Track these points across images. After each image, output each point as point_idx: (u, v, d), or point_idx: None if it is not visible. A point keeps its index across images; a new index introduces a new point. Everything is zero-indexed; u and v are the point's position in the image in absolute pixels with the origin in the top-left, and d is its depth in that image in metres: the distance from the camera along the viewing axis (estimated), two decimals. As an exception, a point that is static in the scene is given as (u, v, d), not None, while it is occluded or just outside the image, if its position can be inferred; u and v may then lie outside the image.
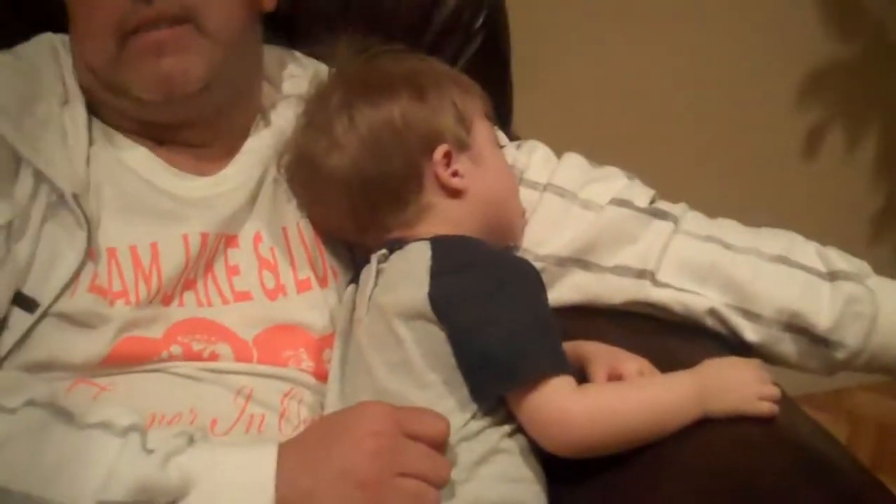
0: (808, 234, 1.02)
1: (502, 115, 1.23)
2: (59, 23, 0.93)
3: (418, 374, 0.78)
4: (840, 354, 0.96)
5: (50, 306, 0.80)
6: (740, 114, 1.76)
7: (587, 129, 1.51)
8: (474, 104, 0.92)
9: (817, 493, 0.77)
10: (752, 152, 1.79)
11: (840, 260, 0.98)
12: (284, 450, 0.72)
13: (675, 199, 1.04)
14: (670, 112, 1.70)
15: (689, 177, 1.60)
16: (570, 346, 0.84)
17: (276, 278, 0.90)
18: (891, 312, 0.95)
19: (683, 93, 1.70)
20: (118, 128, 0.91)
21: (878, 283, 0.97)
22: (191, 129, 0.92)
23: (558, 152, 1.07)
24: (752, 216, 1.05)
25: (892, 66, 1.86)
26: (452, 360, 0.77)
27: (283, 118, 0.96)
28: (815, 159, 1.87)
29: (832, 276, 0.96)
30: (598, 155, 1.08)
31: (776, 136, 1.81)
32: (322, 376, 0.87)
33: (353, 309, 0.86)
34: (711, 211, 1.05)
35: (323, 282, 0.92)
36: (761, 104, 1.77)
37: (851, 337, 0.95)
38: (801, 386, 1.87)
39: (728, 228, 1.01)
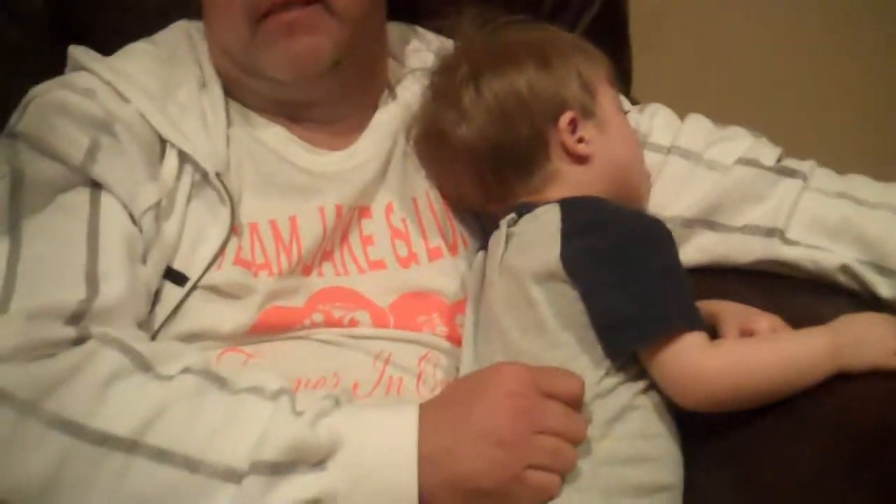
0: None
1: (622, 79, 1.23)
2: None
3: (552, 334, 0.80)
4: (977, 311, 0.94)
5: (199, 280, 0.84)
6: (874, 68, 1.71)
7: (708, 90, 1.49)
8: (598, 71, 0.93)
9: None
10: (877, 111, 1.74)
11: (982, 214, 0.96)
12: (425, 410, 0.74)
13: (801, 158, 1.04)
14: (792, 71, 1.66)
15: (815, 136, 1.57)
16: (701, 305, 0.84)
17: (408, 247, 0.93)
18: None
19: (805, 52, 1.66)
20: (254, 108, 0.95)
21: None
22: (322, 106, 0.95)
23: (679, 114, 1.07)
24: (885, 174, 1.03)
25: None
26: (585, 319, 0.79)
27: (410, 92, 0.99)
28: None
29: (968, 229, 0.94)
30: (719, 116, 1.08)
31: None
32: (456, 340, 0.90)
33: (484, 274, 0.88)
34: (842, 170, 1.03)
35: (453, 249, 0.95)
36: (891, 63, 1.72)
37: None
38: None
39: (859, 184, 1.00)
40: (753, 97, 1.60)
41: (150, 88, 0.90)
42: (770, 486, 0.78)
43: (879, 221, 0.95)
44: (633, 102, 1.11)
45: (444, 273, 0.93)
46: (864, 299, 0.96)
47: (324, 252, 0.90)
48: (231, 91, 0.95)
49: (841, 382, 0.80)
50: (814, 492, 0.76)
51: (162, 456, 0.70)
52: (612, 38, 1.22)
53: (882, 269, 0.95)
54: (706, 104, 1.10)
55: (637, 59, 1.27)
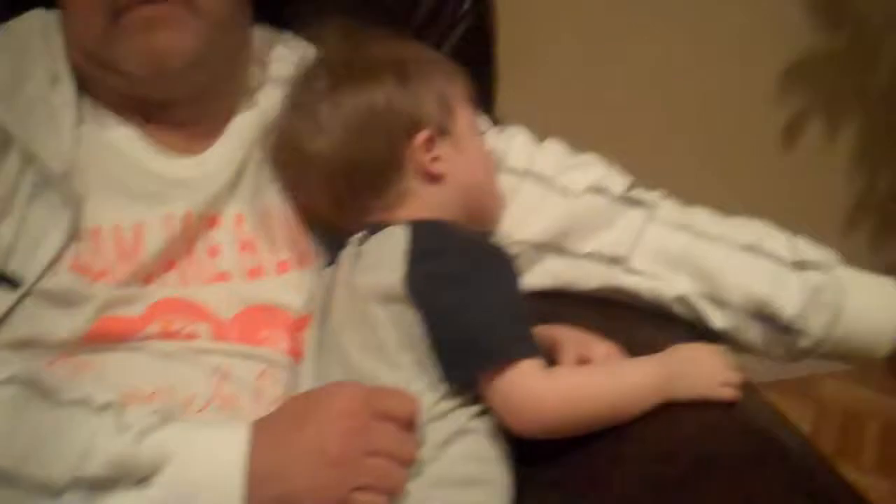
0: (784, 223, 1.05)
1: (486, 101, 1.25)
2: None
3: (391, 355, 0.80)
4: (804, 342, 0.99)
5: (33, 285, 0.82)
6: (721, 103, 1.77)
7: (571, 115, 1.52)
8: (457, 90, 0.94)
9: (773, 476, 0.80)
10: (731, 141, 1.81)
11: (809, 250, 1.01)
12: (256, 428, 0.74)
13: (654, 187, 1.07)
14: (652, 100, 1.71)
15: (669, 165, 1.62)
16: (541, 330, 0.86)
17: (255, 259, 0.92)
18: (855, 302, 0.98)
19: (665, 81, 1.72)
20: (108, 106, 0.92)
21: (844, 273, 1.00)
22: (178, 106, 0.93)
23: (541, 138, 1.09)
24: (729, 205, 1.07)
25: (873, 59, 1.88)
26: (425, 343, 0.79)
27: (270, 99, 0.97)
28: (794, 149, 1.89)
29: (800, 265, 0.99)
30: (580, 142, 1.10)
31: (756, 126, 1.83)
32: (298, 356, 0.89)
33: (331, 290, 0.88)
34: (690, 199, 1.07)
35: (302, 263, 0.93)
36: (742, 93, 1.79)
37: (815, 326, 0.98)
38: (770, 373, 1.92)
39: (701, 217, 1.03)
40: (612, 125, 1.65)
41: None
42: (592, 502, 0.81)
43: (716, 255, 0.99)
44: (497, 124, 1.12)
45: (291, 287, 0.92)
46: (699, 329, 1.00)
47: (168, 261, 0.88)
48: (85, 87, 0.92)
49: (667, 408, 0.83)
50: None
51: None
52: (478, 58, 1.23)
53: (716, 301, 0.99)
54: (568, 130, 1.12)
55: (503, 81, 1.29)
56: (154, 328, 0.84)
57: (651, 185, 1.07)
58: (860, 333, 0.98)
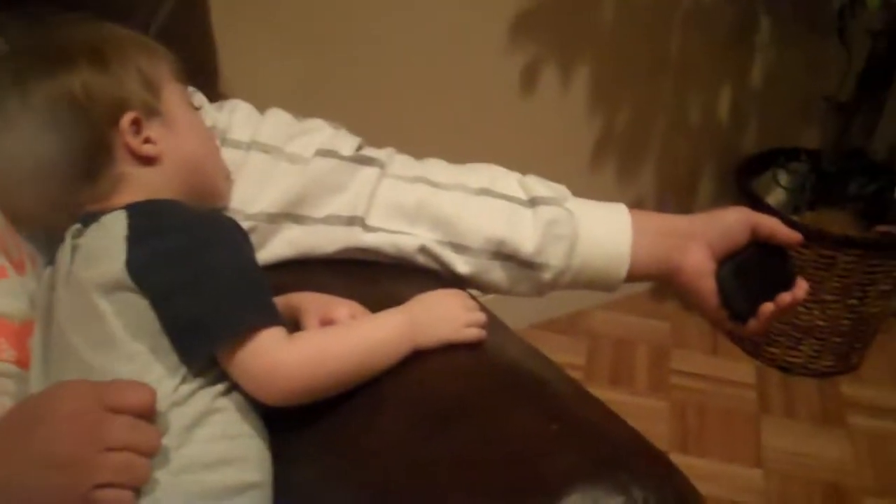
0: (533, 170, 1.07)
1: (208, 74, 1.21)
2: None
3: (122, 346, 0.76)
4: (546, 275, 1.01)
5: None
6: (457, 58, 1.80)
7: (296, 81, 1.51)
8: (162, 68, 0.90)
9: (525, 408, 0.82)
10: (470, 96, 1.84)
11: (539, 186, 1.03)
12: None
13: (395, 145, 1.07)
14: (382, 55, 1.71)
15: (406, 122, 1.64)
16: (282, 300, 0.84)
17: None
18: (588, 231, 1.02)
19: (395, 34, 1.72)
20: None
21: (575, 204, 1.03)
22: None
23: (269, 105, 1.06)
24: (476, 158, 1.08)
25: (595, 3, 1.95)
26: (157, 327, 0.76)
27: None
28: (532, 97, 1.94)
29: (533, 202, 1.01)
30: (310, 107, 1.09)
31: (492, 78, 1.87)
32: (26, 365, 0.83)
33: (52, 290, 0.83)
34: (435, 154, 1.07)
35: (19, 268, 0.88)
36: (477, 46, 1.82)
37: (554, 257, 1.00)
38: (541, 312, 1.99)
39: (434, 167, 1.04)
40: (342, 86, 1.64)
41: None
42: (354, 464, 0.80)
43: (452, 202, 1.00)
44: (222, 98, 1.09)
45: (9, 294, 0.86)
46: (443, 278, 1.00)
47: None
48: None
49: (417, 359, 0.84)
50: (393, 463, 0.78)
51: None
52: (192, 33, 1.19)
53: (457, 247, 1.00)
54: (294, 97, 1.10)
55: (225, 48, 1.25)
56: None
57: (390, 143, 1.07)
58: (597, 260, 1.02)
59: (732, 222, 1.04)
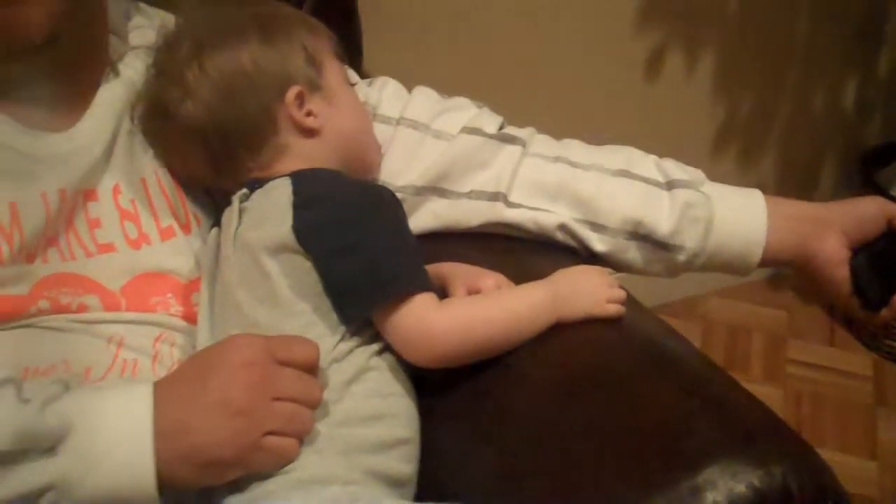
0: (653, 153, 1.09)
1: (351, 53, 1.26)
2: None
3: (287, 304, 0.81)
4: (681, 257, 1.03)
5: None
6: (585, 41, 1.82)
7: (435, 63, 1.55)
8: (323, 44, 0.94)
9: (664, 382, 0.85)
10: (595, 77, 1.86)
11: (676, 169, 1.05)
12: (159, 387, 0.74)
13: (525, 125, 1.10)
14: (514, 42, 1.74)
15: (537, 104, 1.66)
16: (431, 268, 0.88)
17: (138, 228, 0.91)
18: (724, 215, 1.03)
19: (525, 23, 1.74)
20: None
21: (711, 188, 1.05)
22: (39, 83, 0.90)
23: (408, 87, 1.11)
24: (598, 139, 1.11)
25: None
26: (320, 288, 0.81)
27: (133, 69, 0.96)
28: (657, 81, 1.95)
29: (669, 185, 1.03)
30: (446, 88, 1.12)
31: (619, 61, 1.88)
32: (192, 319, 0.89)
33: (218, 250, 0.88)
34: (561, 134, 1.10)
35: (186, 228, 0.94)
36: (603, 31, 1.83)
37: (690, 240, 1.02)
38: (657, 296, 2.00)
39: (573, 148, 1.07)
40: (476, 68, 1.67)
41: None
42: (496, 426, 0.84)
43: (591, 182, 1.03)
44: (364, 76, 1.13)
45: (177, 252, 0.92)
46: (581, 255, 1.03)
47: (48, 238, 0.86)
48: None
49: (560, 330, 0.87)
50: (536, 427, 0.82)
51: None
52: (340, 12, 1.24)
53: (595, 226, 1.03)
54: (432, 78, 1.14)
55: (367, 32, 1.30)
56: (43, 304, 0.83)
57: (522, 123, 1.10)
58: (732, 243, 1.03)
59: (869, 211, 1.05)
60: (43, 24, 0.85)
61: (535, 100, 1.70)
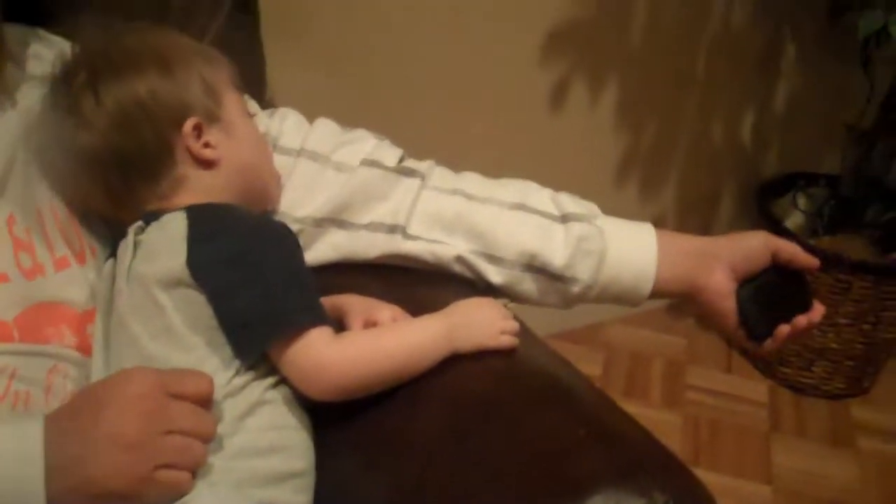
0: (559, 183, 1.12)
1: (256, 84, 1.26)
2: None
3: (181, 338, 0.81)
4: (575, 288, 1.06)
5: None
6: (489, 73, 1.85)
7: (339, 92, 1.56)
8: (221, 75, 0.95)
9: (554, 412, 0.86)
10: (500, 108, 1.90)
11: (571, 203, 1.08)
12: (51, 420, 0.74)
13: (428, 157, 1.12)
14: (418, 71, 1.77)
15: (440, 134, 1.69)
16: (327, 301, 0.89)
17: (32, 258, 0.90)
18: (616, 248, 1.06)
19: (431, 54, 1.77)
20: None
21: (605, 222, 1.08)
22: None
23: (312, 116, 1.12)
24: (503, 170, 1.13)
25: (625, 25, 2.00)
26: (214, 322, 0.81)
27: (29, 99, 0.95)
28: (561, 113, 1.99)
29: (564, 218, 1.06)
30: (351, 116, 1.14)
31: (523, 92, 1.92)
32: (86, 351, 0.89)
33: (113, 282, 0.88)
34: (464, 166, 1.12)
35: (80, 258, 0.93)
36: (508, 63, 1.87)
37: (583, 272, 1.05)
38: (560, 322, 2.04)
39: (471, 181, 1.09)
40: (381, 99, 1.69)
41: None
42: (392, 457, 0.85)
43: (487, 215, 1.05)
44: (268, 107, 1.14)
45: (71, 283, 0.91)
46: (478, 286, 1.05)
47: None
48: None
49: (454, 362, 0.88)
50: (429, 458, 0.83)
51: None
52: (244, 42, 1.25)
53: (492, 258, 1.05)
54: (338, 108, 1.15)
55: (271, 62, 1.30)
56: None
57: (425, 153, 1.12)
58: (624, 276, 1.07)
59: (754, 246, 1.09)
60: None
61: (437, 130, 1.73)
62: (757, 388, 2.13)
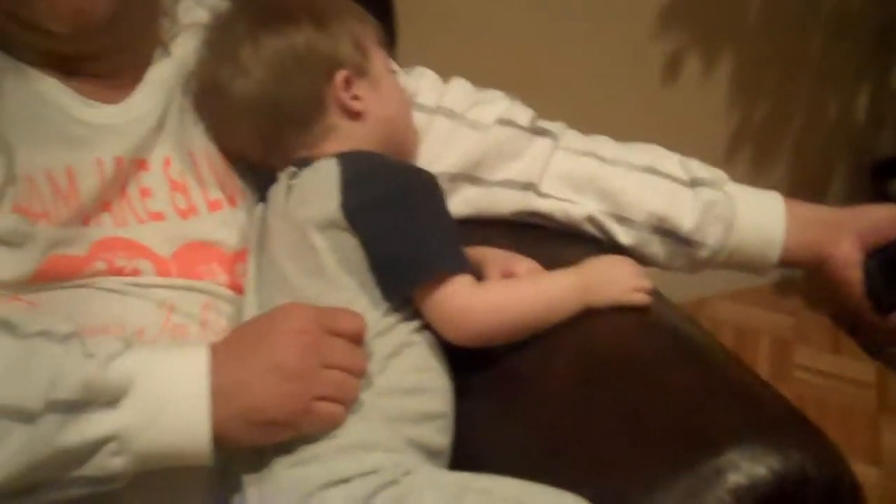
0: (669, 153, 1.13)
1: (388, 46, 1.29)
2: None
3: (333, 277, 0.85)
4: (703, 253, 1.07)
5: None
6: (605, 45, 1.85)
7: (459, 60, 1.58)
8: (369, 33, 0.98)
9: (688, 369, 0.88)
10: (615, 77, 1.89)
11: (700, 169, 1.09)
12: (216, 349, 0.78)
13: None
14: (534, 42, 1.78)
15: (555, 103, 1.69)
16: (467, 251, 0.92)
17: (187, 199, 0.95)
18: (745, 214, 1.07)
19: (552, 25, 1.78)
20: (25, 61, 0.93)
21: (733, 188, 1.09)
22: (97, 60, 0.94)
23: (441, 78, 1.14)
24: (614, 139, 1.14)
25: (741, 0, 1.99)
26: (365, 264, 0.85)
27: (183, 48, 1.00)
28: (674, 84, 1.99)
29: (693, 182, 1.07)
30: (477, 82, 1.16)
31: (637, 65, 1.92)
32: (237, 289, 0.93)
33: (265, 224, 0.92)
34: (580, 131, 1.14)
35: (232, 201, 0.97)
36: (623, 36, 1.87)
37: (711, 237, 1.06)
38: (666, 296, 2.03)
39: (602, 143, 1.11)
40: (501, 65, 1.70)
41: None
42: (527, 404, 0.88)
43: (618, 177, 1.07)
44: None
45: (223, 224, 0.95)
46: (605, 246, 1.07)
47: (103, 203, 0.90)
48: (1, 44, 0.92)
49: (588, 315, 0.90)
50: (563, 406, 0.86)
51: None
52: (377, 4, 1.27)
53: (621, 219, 1.06)
54: (463, 71, 1.17)
55: (402, 26, 1.33)
56: (100, 266, 0.87)
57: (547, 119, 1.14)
58: (752, 241, 1.07)
59: (883, 217, 1.08)
60: (107, 6, 0.88)
61: (552, 99, 1.73)
62: (865, 369, 2.10)
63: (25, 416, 0.71)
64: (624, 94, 1.92)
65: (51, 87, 0.93)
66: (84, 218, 0.89)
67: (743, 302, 2.21)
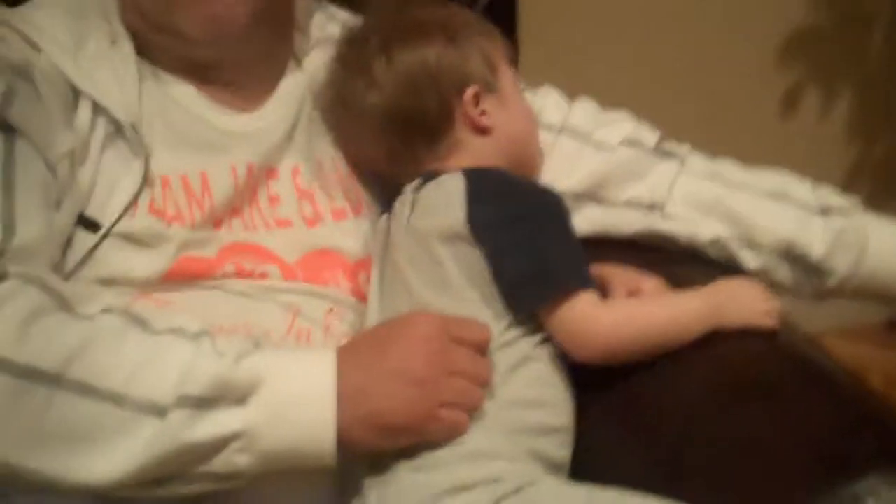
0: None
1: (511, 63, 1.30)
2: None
3: (457, 290, 0.85)
4: (831, 281, 1.04)
5: (111, 227, 0.86)
6: (725, 73, 1.83)
7: (588, 78, 1.58)
8: (498, 50, 0.99)
9: (820, 394, 0.86)
10: (733, 109, 1.87)
11: (831, 196, 1.07)
12: (342, 353, 0.78)
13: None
14: (658, 72, 1.77)
15: (675, 131, 1.68)
16: (592, 269, 0.91)
17: (313, 207, 0.96)
18: (877, 243, 1.04)
19: (672, 56, 1.78)
20: (163, 67, 0.95)
21: (866, 217, 1.06)
22: (233, 68, 0.97)
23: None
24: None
25: (865, 34, 1.94)
26: (489, 278, 0.84)
27: (315, 62, 1.02)
28: (793, 118, 1.95)
29: (824, 210, 1.05)
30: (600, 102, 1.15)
31: (757, 95, 1.89)
32: (359, 297, 0.94)
33: (388, 235, 0.93)
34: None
35: (357, 211, 0.99)
36: (744, 65, 1.85)
37: (842, 265, 1.03)
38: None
39: (728, 167, 1.09)
40: (632, 86, 1.70)
41: (60, 38, 0.90)
42: (652, 426, 0.87)
43: (746, 201, 1.05)
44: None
45: (347, 233, 0.97)
46: (730, 270, 1.05)
47: (234, 208, 0.92)
48: (140, 49, 0.95)
49: (715, 337, 0.88)
50: (688, 430, 0.85)
51: (86, 390, 0.72)
52: (502, 23, 1.28)
53: (749, 243, 1.04)
54: (586, 92, 1.17)
55: (525, 45, 1.34)
56: (229, 268, 0.89)
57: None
58: (884, 271, 1.04)
59: None
60: (247, 15, 0.91)
61: (673, 127, 1.73)
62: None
63: (156, 410, 0.72)
64: (743, 123, 1.89)
65: (187, 94, 0.95)
66: (215, 222, 0.91)
67: (854, 339, 2.15)
